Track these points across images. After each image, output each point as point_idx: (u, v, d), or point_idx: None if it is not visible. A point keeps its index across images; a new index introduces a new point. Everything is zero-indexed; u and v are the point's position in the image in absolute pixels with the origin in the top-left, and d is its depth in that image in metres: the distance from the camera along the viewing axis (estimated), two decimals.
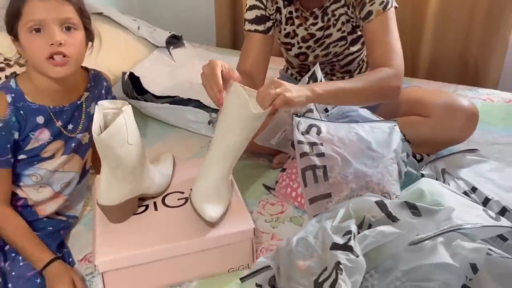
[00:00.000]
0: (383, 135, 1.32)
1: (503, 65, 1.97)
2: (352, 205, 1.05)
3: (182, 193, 1.20)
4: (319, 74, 1.43)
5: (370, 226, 1.00)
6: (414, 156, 1.37)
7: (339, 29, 1.43)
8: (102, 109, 1.02)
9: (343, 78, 1.59)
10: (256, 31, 1.46)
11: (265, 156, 1.55)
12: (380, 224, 0.99)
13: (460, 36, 2.05)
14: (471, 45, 2.04)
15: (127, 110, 1.02)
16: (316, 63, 1.52)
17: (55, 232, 1.17)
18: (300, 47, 1.50)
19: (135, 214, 1.12)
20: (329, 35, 1.46)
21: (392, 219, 0.99)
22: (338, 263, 0.88)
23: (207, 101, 1.76)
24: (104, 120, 1.03)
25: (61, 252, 1.14)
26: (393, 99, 1.34)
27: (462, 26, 2.03)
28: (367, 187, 1.20)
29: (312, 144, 1.30)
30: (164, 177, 1.21)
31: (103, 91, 1.27)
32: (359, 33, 1.47)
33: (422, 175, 1.28)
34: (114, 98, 1.29)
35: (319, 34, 1.46)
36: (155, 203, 1.16)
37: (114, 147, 0.99)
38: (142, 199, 1.15)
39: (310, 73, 1.43)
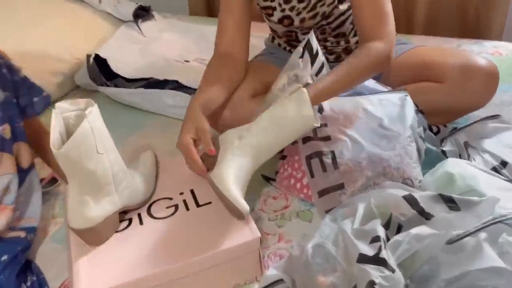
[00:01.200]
0: (395, 109, 1.14)
1: (507, 13, 1.80)
2: (374, 201, 0.89)
3: (171, 199, 1.02)
4: (315, 44, 1.24)
5: (399, 227, 0.85)
6: (430, 129, 1.20)
7: None
8: (60, 113, 0.82)
9: (337, 42, 1.39)
10: None
11: None
12: (412, 223, 0.83)
13: None
14: None
15: (93, 112, 0.82)
16: (304, 29, 1.32)
17: (12, 260, 0.93)
18: (283, 10, 1.29)
19: (117, 231, 0.94)
20: None
21: (425, 216, 0.83)
22: (372, 283, 0.72)
23: (186, 80, 1.56)
24: (66, 126, 0.83)
25: (26, 280, 0.95)
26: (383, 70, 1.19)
27: None
28: (385, 173, 1.03)
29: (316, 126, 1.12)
30: (147, 181, 1.02)
31: (3, 70, 1.00)
32: None
33: (443, 152, 1.12)
34: (24, 78, 1.04)
35: None
36: (139, 215, 0.98)
37: (81, 161, 0.80)
38: (123, 212, 0.97)
39: (304, 42, 1.23)
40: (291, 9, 1.28)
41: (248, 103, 1.26)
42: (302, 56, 1.28)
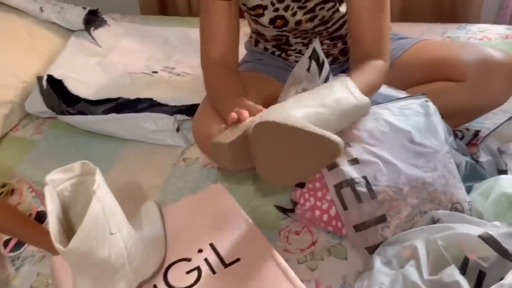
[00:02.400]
0: (420, 118, 1.02)
1: None
2: (442, 242, 0.76)
3: (189, 260, 0.84)
4: (321, 52, 1.08)
5: (481, 274, 0.73)
6: (455, 135, 1.09)
7: None
8: (54, 188, 0.62)
9: (334, 45, 1.24)
10: None
11: None
12: (495, 266, 0.71)
13: None
14: None
15: (100, 184, 0.62)
16: (298, 32, 1.16)
17: None
18: (276, 9, 1.12)
19: None
20: None
21: (509, 258, 0.71)
22: None
23: (160, 96, 1.36)
24: (62, 203, 0.63)
25: None
26: None
27: None
28: (431, 199, 0.91)
29: None
30: (158, 243, 0.84)
31: None
32: None
33: (476, 161, 1.02)
34: None
35: None
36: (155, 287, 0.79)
37: (92, 251, 0.60)
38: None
39: (310, 52, 1.08)
40: (286, 8, 1.11)
41: None
42: (309, 68, 1.12)
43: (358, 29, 1.05)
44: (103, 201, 0.61)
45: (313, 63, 1.10)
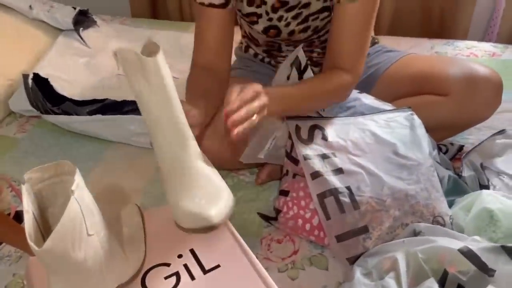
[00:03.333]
0: (405, 131, 1.03)
1: (473, 12, 1.75)
2: (422, 255, 0.76)
3: (168, 265, 0.83)
4: (303, 60, 1.09)
5: (459, 287, 0.73)
6: (439, 149, 1.10)
7: None
8: (31, 187, 0.60)
9: (324, 54, 1.25)
10: (211, 5, 1.06)
11: (246, 169, 1.20)
12: (474, 280, 0.72)
13: None
14: None
15: (79, 184, 0.61)
16: (291, 41, 1.16)
17: None
18: (269, 19, 1.12)
19: None
20: (307, 5, 1.09)
21: (488, 273, 0.71)
22: None
23: None
24: (39, 200, 0.62)
25: None
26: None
27: None
28: (414, 212, 0.91)
29: (323, 157, 0.98)
30: (136, 248, 0.82)
31: None
32: None
33: (459, 176, 1.03)
34: None
35: (293, 1, 1.09)
36: None
37: (68, 252, 0.59)
38: None
39: (292, 58, 1.09)
40: (279, 19, 1.11)
41: None
42: (289, 75, 1.13)
43: (338, 41, 1.05)
44: (81, 202, 0.60)
45: (294, 71, 1.10)
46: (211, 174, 0.79)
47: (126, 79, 0.73)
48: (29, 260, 0.84)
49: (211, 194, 0.76)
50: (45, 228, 0.64)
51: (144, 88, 0.72)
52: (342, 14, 1.02)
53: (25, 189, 0.59)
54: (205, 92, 1.04)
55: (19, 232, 0.97)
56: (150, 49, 0.75)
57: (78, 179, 0.61)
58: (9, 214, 1.09)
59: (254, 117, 0.84)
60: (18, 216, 1.09)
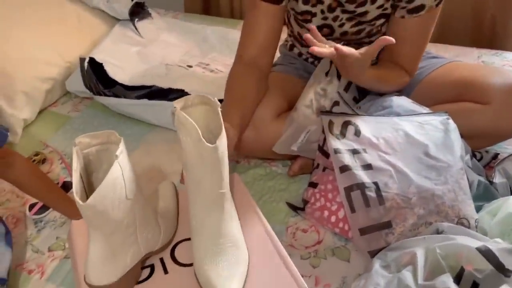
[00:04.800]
0: (439, 134, 1.04)
1: None
2: (440, 251, 0.78)
3: None
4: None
5: (475, 284, 0.74)
6: (474, 155, 1.10)
7: (380, 6, 1.10)
8: (80, 151, 0.67)
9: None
10: (265, 0, 1.11)
11: (279, 161, 1.24)
12: (489, 279, 0.73)
13: None
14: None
15: (122, 150, 0.67)
16: (340, 41, 1.19)
17: None
18: (325, 18, 1.15)
19: (138, 282, 0.80)
20: (364, 14, 1.12)
21: (505, 273, 0.72)
22: None
23: (191, 88, 1.42)
24: (86, 163, 0.69)
25: None
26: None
27: None
28: (438, 211, 0.93)
29: (354, 152, 1.01)
30: (169, 220, 0.88)
31: None
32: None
33: (490, 182, 1.03)
34: None
35: (349, 7, 1.12)
36: (162, 261, 0.84)
37: (107, 211, 0.66)
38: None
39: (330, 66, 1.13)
40: (334, 19, 1.14)
41: (272, 123, 1.13)
42: (328, 71, 1.16)
43: (398, 47, 1.06)
44: (124, 167, 0.66)
45: (333, 67, 1.14)
46: (237, 237, 0.80)
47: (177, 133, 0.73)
48: (71, 224, 0.92)
49: (233, 264, 0.76)
50: (89, 190, 0.70)
51: (192, 153, 0.71)
52: (407, 25, 1.10)
53: (74, 151, 0.66)
54: (243, 96, 1.10)
55: (65, 200, 1.05)
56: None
57: (123, 147, 0.68)
58: (57, 184, 1.19)
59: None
60: (65, 186, 1.19)
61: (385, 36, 0.92)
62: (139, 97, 1.39)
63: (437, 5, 1.08)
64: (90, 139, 0.69)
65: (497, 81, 1.12)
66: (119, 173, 0.65)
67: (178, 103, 0.74)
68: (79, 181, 0.64)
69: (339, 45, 0.91)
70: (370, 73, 1.04)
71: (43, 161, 1.27)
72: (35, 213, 1.11)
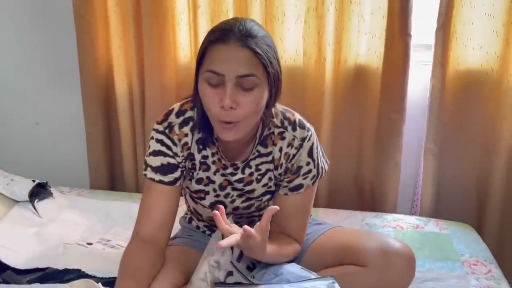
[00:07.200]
0: None
1: (398, 188, 1.97)
2: None
3: None
4: None
5: None
6: None
7: (265, 185, 1.26)
8: None
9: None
10: (161, 182, 1.20)
11: None
12: None
13: (352, 161, 2.04)
14: (364, 171, 2.03)
15: None
16: (233, 215, 1.30)
17: None
18: (217, 195, 1.27)
19: None
20: (252, 191, 1.27)
21: None
22: None
23: (89, 267, 1.40)
24: None
25: None
26: None
27: (354, 151, 2.02)
28: None
29: None
30: None
31: None
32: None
33: None
34: None
35: (238, 185, 1.26)
36: None
37: None
38: None
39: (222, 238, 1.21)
40: (226, 195, 1.26)
41: None
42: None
43: (284, 220, 1.25)
44: None
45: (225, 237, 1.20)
46: None
47: None
48: None
49: None
50: None
51: None
52: (287, 201, 1.25)
53: None
54: (138, 269, 1.12)
55: None
56: None
57: None
58: None
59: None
60: None
61: (270, 206, 1.06)
62: (31, 282, 1.34)
63: (313, 183, 1.25)
64: None
65: (371, 245, 1.25)
66: None
67: None
68: None
69: (246, 226, 1.02)
70: (270, 249, 1.14)
71: None
72: None
